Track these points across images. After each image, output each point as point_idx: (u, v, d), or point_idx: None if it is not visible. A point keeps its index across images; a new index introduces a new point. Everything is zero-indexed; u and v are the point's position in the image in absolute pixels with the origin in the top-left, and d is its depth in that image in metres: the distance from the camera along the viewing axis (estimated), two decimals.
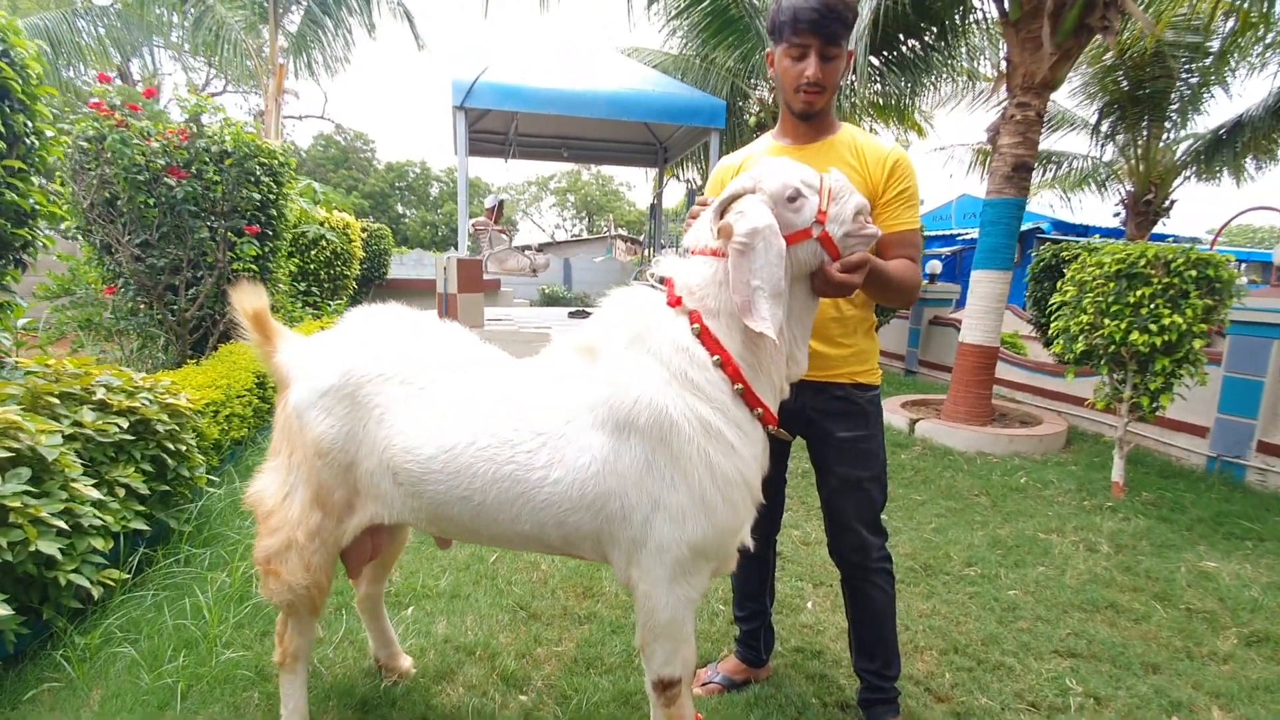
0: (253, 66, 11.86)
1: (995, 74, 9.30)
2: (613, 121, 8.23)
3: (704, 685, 2.16)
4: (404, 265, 13.82)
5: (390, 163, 38.20)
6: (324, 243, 7.44)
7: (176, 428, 2.80)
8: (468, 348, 1.65)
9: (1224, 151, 10.08)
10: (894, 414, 5.76)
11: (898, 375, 8.65)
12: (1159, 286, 3.77)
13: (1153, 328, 3.75)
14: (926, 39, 7.79)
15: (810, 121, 1.79)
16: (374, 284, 11.02)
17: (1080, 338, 4.06)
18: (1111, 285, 3.92)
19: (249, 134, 3.94)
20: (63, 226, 3.78)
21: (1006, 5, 5.27)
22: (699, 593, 1.53)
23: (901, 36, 7.84)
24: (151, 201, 3.69)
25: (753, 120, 9.74)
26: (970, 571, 3.00)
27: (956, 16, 7.36)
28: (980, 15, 7.41)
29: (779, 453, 1.95)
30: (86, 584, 2.18)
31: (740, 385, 1.44)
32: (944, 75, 9.02)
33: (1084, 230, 16.53)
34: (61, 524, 2.06)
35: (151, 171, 3.58)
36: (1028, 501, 3.99)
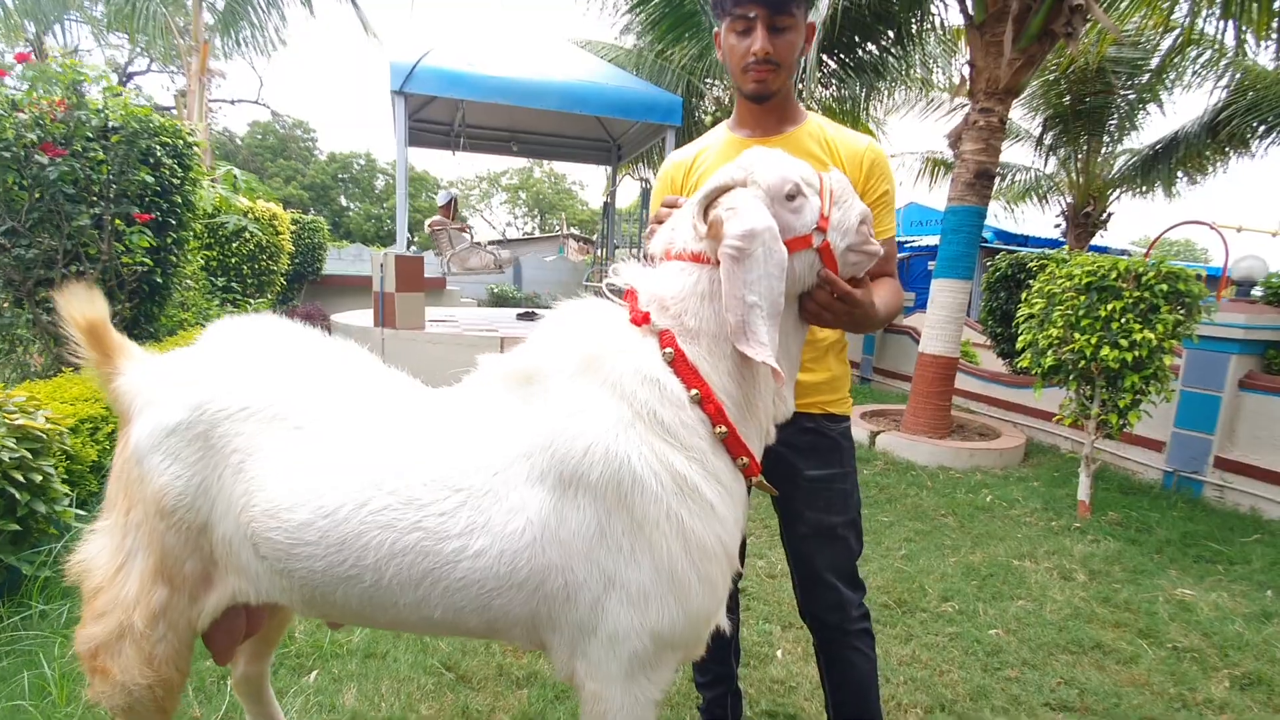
0: (176, 45, 10.97)
1: (949, 82, 9.38)
2: (565, 115, 7.86)
3: None
4: (341, 260, 13.04)
5: (333, 153, 36.63)
6: (246, 235, 6.81)
7: (28, 455, 2.31)
8: (364, 374, 1.27)
9: (1159, 166, 10.42)
10: (854, 426, 5.56)
11: (854, 384, 8.54)
12: (1130, 300, 3.65)
13: (1123, 343, 3.62)
14: (883, 43, 7.69)
15: (766, 105, 1.50)
16: (307, 280, 10.32)
17: (1049, 352, 3.92)
18: (1082, 298, 3.79)
19: (140, 107, 3.42)
20: None
21: (971, 8, 5.15)
22: (663, 690, 1.20)
23: (858, 39, 7.72)
24: (23, 183, 3.14)
25: (709, 119, 9.52)
26: (948, 608, 2.77)
27: (914, 21, 7.29)
28: (938, 21, 7.35)
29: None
30: None
31: (724, 428, 1.12)
32: (898, 81, 9.00)
33: (1024, 240, 17.01)
34: None
35: (19, 147, 3.04)
36: (995, 522, 3.82)
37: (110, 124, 3.31)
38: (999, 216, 15.86)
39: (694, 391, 1.10)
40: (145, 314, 4.27)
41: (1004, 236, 16.90)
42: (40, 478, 2.35)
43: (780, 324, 1.17)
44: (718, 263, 1.11)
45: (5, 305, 3.29)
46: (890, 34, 7.52)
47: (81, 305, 1.34)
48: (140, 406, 1.28)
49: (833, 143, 1.50)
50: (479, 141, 9.59)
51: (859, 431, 5.48)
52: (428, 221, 7.64)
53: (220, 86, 25.50)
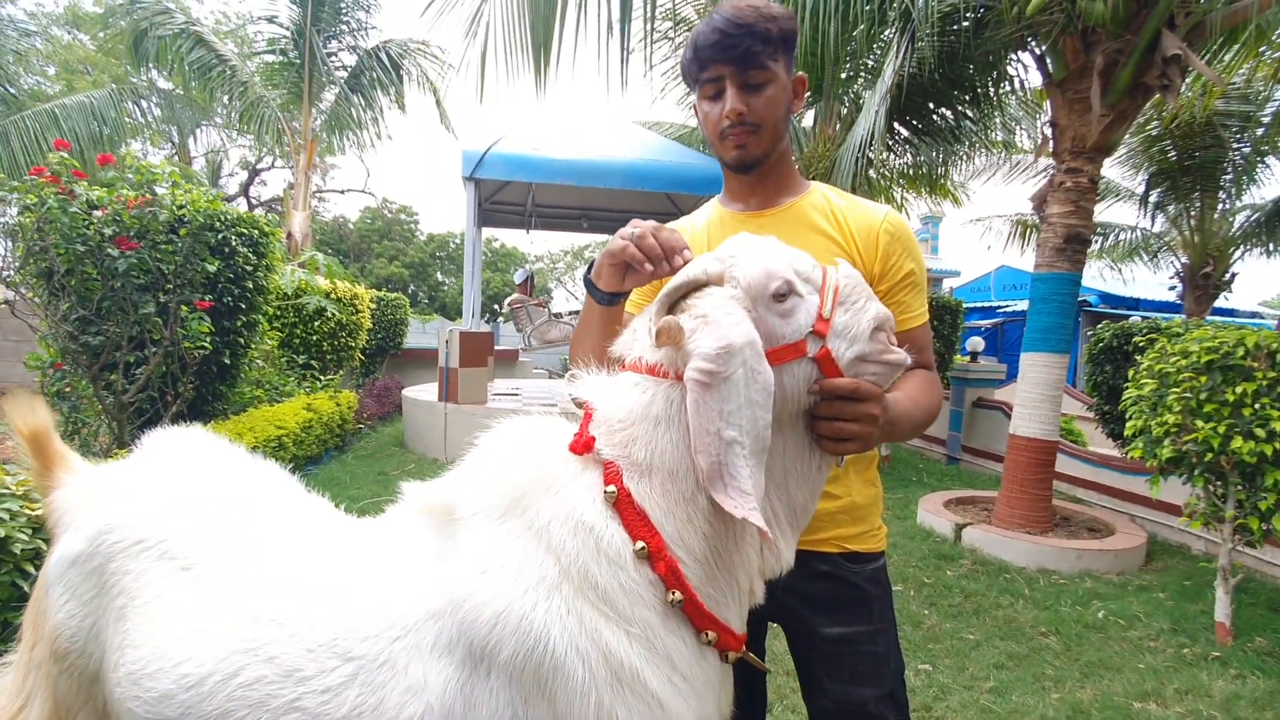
0: (287, 143, 12.14)
1: (1033, 144, 8.89)
2: (633, 192, 7.97)
3: None
4: (425, 334, 13.62)
5: (432, 234, 39.33)
6: (327, 315, 7.15)
7: (44, 546, 2.30)
8: (279, 505, 1.11)
9: None
10: (936, 516, 5.00)
11: (938, 464, 7.84)
12: (1264, 383, 3.08)
13: (1259, 432, 3.03)
14: (959, 107, 7.39)
15: (755, 175, 1.28)
16: (388, 354, 10.75)
17: (1166, 441, 3.34)
18: (1203, 380, 3.24)
19: (210, 202, 3.63)
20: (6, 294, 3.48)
21: (1050, 65, 4.82)
22: None
23: (931, 105, 7.46)
24: (95, 273, 3.36)
25: None
26: None
27: (990, 84, 6.97)
28: (1019, 83, 7.00)
29: (756, 625, 1.32)
30: None
31: (678, 594, 0.86)
32: (977, 145, 8.62)
33: (1134, 303, 15.64)
34: None
35: (93, 241, 3.25)
36: (1110, 646, 3.20)
37: (181, 218, 3.52)
38: (1104, 277, 14.72)
39: (639, 544, 0.86)
40: (212, 393, 4.43)
41: (1111, 300, 15.64)
42: None
43: (774, 454, 0.92)
44: (678, 377, 0.89)
45: (67, 389, 3.46)
46: (965, 98, 7.22)
47: (24, 413, 1.27)
48: (62, 526, 1.17)
49: (841, 213, 1.26)
50: (551, 220, 9.89)
51: (942, 522, 4.90)
52: (508, 300, 7.87)
53: (334, 178, 28.17)
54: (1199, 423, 3.19)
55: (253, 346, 4.73)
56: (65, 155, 3.35)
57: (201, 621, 0.94)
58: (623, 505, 0.87)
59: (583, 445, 0.92)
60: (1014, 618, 3.48)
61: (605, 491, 0.88)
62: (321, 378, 6.80)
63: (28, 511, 2.30)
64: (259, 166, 24.72)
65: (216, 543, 1.02)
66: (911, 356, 1.20)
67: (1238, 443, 3.06)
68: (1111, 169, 11.37)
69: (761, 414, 0.84)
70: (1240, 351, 3.15)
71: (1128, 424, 3.61)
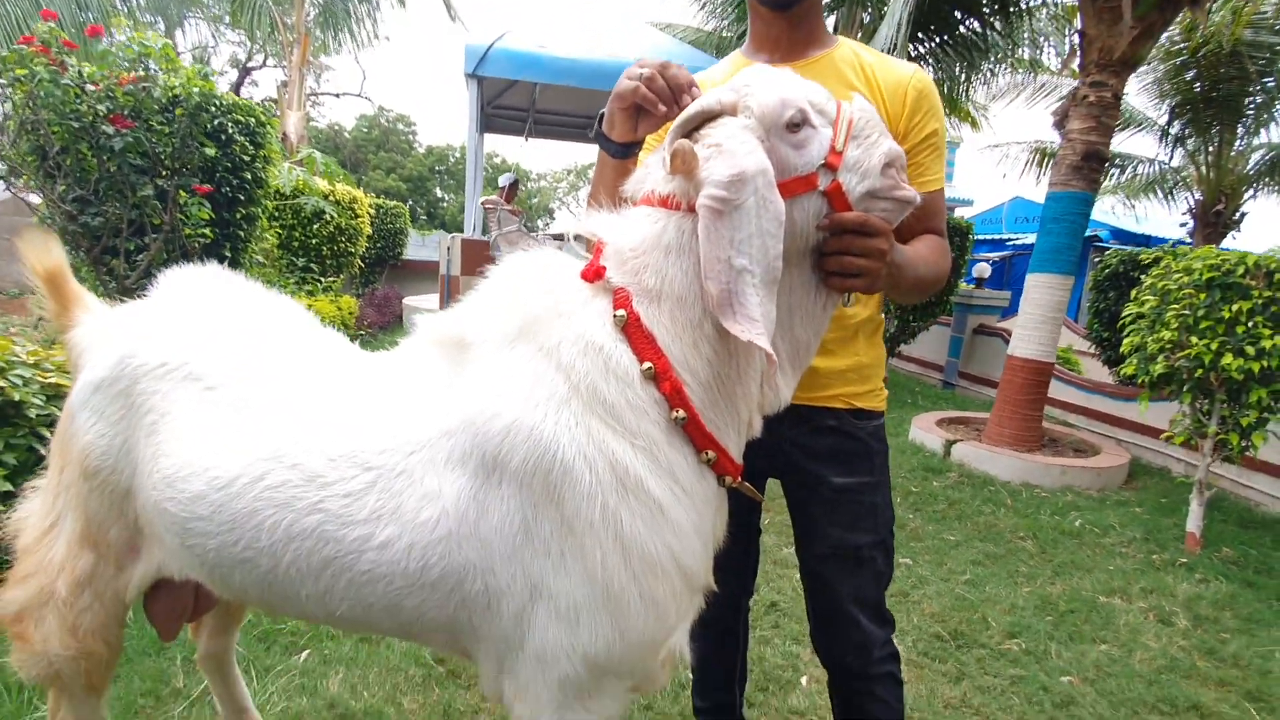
0: (279, 38, 11.60)
1: (1060, 61, 8.53)
2: None
3: None
4: (425, 247, 13.43)
5: (431, 146, 38.16)
6: (326, 217, 7.04)
7: (59, 411, 2.36)
8: (298, 335, 1.14)
9: None
10: (928, 433, 5.12)
11: (934, 388, 7.95)
12: (1259, 301, 3.10)
13: (1249, 350, 3.07)
14: (987, 15, 7.03)
15: (789, 17, 1.23)
16: (389, 264, 10.67)
17: (1160, 357, 3.39)
18: (1202, 296, 3.25)
19: (204, 82, 3.51)
20: None
21: None
22: None
23: (958, 15, 7.11)
24: (91, 153, 3.28)
25: None
26: (1013, 645, 2.41)
27: None
28: None
29: (757, 477, 1.37)
30: None
31: (682, 412, 0.90)
32: (1004, 61, 8.27)
33: (1146, 240, 15.41)
34: None
35: (88, 118, 3.16)
36: (1084, 551, 3.35)
37: (175, 97, 3.41)
38: (1117, 212, 14.45)
39: (646, 365, 0.89)
40: None
41: (1122, 235, 15.39)
42: None
43: (785, 291, 0.94)
44: (690, 209, 0.90)
45: (74, 271, 3.45)
46: (995, 6, 6.86)
47: (42, 253, 1.29)
48: (84, 360, 1.21)
49: (870, 69, 1.23)
50: (553, 128, 9.59)
51: (933, 438, 5.02)
52: (481, 199, 7.61)
53: (329, 81, 27.04)
54: (1194, 339, 3.23)
55: (253, 241, 4.68)
56: (54, 25, 3.21)
57: (228, 433, 0.99)
58: (631, 328, 0.90)
59: (593, 273, 0.94)
60: (994, 523, 3.63)
61: (615, 315, 0.91)
62: (321, 280, 6.78)
63: (40, 379, 2.35)
64: (249, 65, 23.70)
65: (237, 366, 1.06)
66: (930, 223, 1.21)
67: (1228, 359, 3.10)
68: (1138, 97, 11.00)
69: (773, 243, 0.86)
70: (1240, 270, 3.16)
71: (1124, 341, 3.65)
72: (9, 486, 2.14)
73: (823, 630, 1.40)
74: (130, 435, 1.09)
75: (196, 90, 3.45)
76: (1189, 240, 10.90)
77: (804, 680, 2.11)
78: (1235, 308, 3.14)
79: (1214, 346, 3.17)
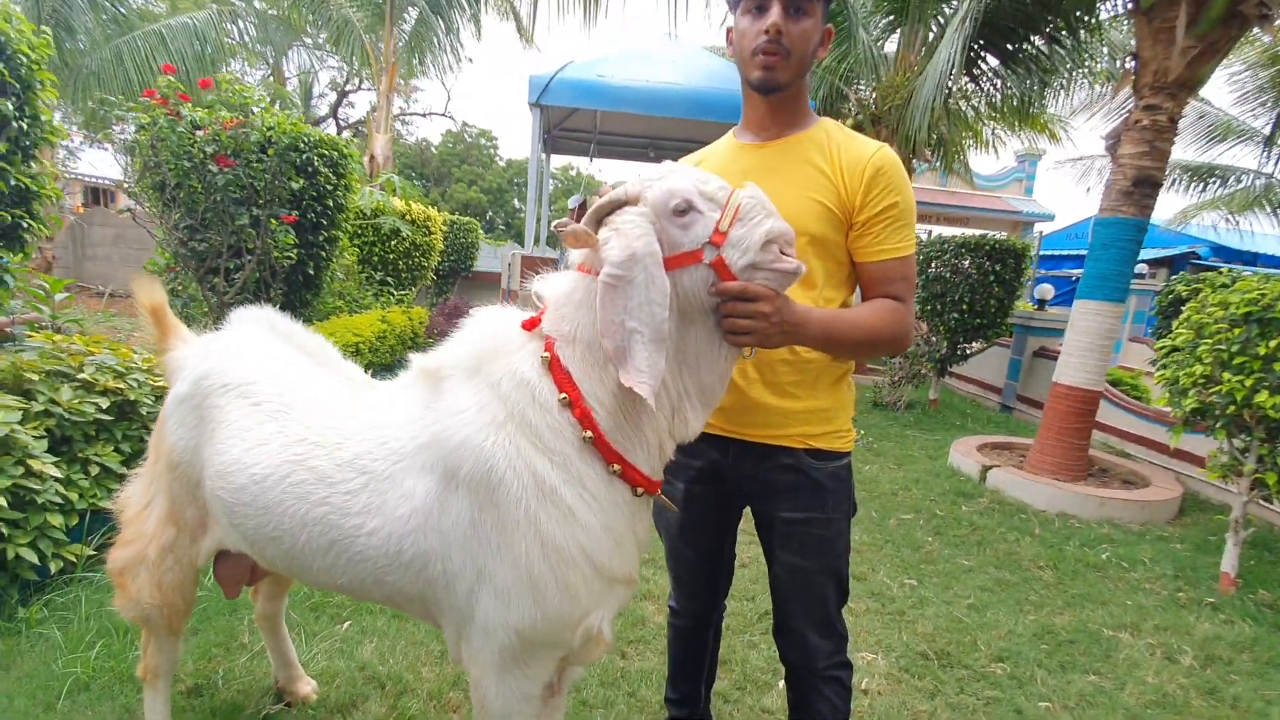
0: (370, 65, 12.55)
1: (1114, 86, 8.19)
2: (701, 122, 7.93)
3: None
4: (496, 259, 14.16)
5: (510, 159, 39.68)
6: (402, 235, 7.65)
7: None
8: (323, 365, 1.46)
9: None
10: (966, 458, 5.09)
11: (991, 411, 7.76)
12: None
13: None
14: (1051, 31, 6.87)
15: (773, 101, 1.40)
16: (460, 275, 11.34)
17: (1190, 392, 3.33)
18: (1237, 331, 3.18)
19: (293, 124, 4.03)
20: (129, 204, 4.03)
21: None
22: (538, 685, 1.26)
23: (1021, 31, 6.98)
24: (200, 187, 3.84)
25: (850, 122, 9.10)
26: (996, 669, 2.49)
27: (1081, 8, 6.43)
28: (1118, 6, 6.44)
29: (726, 505, 1.61)
30: (34, 559, 2.22)
31: (589, 433, 1.14)
32: (1075, 77, 8.01)
33: (1252, 257, 14.31)
34: (1, 501, 2.10)
35: (196, 158, 3.72)
36: (1104, 584, 3.33)
37: (269, 138, 3.94)
38: (1218, 229, 13.50)
39: (563, 395, 1.14)
40: (299, 300, 4.99)
41: (1225, 253, 14.36)
42: None
43: (685, 342, 1.17)
44: (596, 273, 1.14)
45: (178, 289, 4.03)
46: (1058, 22, 6.71)
47: (149, 292, 1.67)
48: (174, 378, 1.57)
49: (836, 147, 1.38)
50: (614, 149, 9.96)
51: (969, 463, 4.99)
52: (554, 223, 8.05)
53: (418, 101, 28.70)
54: (1226, 375, 3.17)
55: (334, 260, 5.23)
56: (172, 79, 3.80)
57: (265, 439, 1.31)
58: (554, 366, 1.16)
59: (531, 323, 1.21)
60: (1015, 551, 3.64)
61: (543, 356, 1.17)
62: (396, 293, 7.37)
63: (151, 383, 2.82)
64: (346, 89, 25.52)
65: (277, 388, 1.38)
66: (887, 289, 1.36)
67: (1263, 397, 3.03)
68: (1235, 107, 10.31)
69: (659, 310, 1.09)
70: None
71: (1157, 374, 3.59)
72: (124, 470, 2.61)
73: (777, 635, 1.60)
74: (200, 438, 1.43)
75: (285, 134, 3.96)
76: None
77: (780, 684, 2.28)
78: (1273, 344, 3.07)
79: (1249, 383, 3.10)
